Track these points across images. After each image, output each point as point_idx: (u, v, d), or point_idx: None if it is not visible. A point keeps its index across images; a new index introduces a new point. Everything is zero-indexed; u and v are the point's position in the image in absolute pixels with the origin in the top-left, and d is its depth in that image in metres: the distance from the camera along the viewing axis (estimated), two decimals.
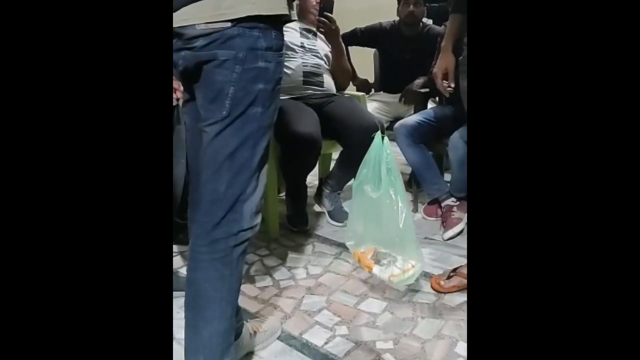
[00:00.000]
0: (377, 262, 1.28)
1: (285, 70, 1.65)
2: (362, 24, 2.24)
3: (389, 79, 2.21)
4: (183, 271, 1.42)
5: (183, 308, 0.83)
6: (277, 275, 1.41)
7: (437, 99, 2.00)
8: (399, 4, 2.14)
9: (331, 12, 1.66)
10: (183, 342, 0.83)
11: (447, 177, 1.86)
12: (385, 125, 1.90)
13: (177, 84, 0.93)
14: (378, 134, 1.30)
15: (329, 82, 1.80)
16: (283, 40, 0.80)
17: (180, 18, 0.75)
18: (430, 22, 2.27)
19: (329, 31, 1.69)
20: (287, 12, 0.79)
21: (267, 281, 1.37)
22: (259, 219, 0.83)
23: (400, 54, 2.15)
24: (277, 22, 0.78)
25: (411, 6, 2.07)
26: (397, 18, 2.16)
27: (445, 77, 1.50)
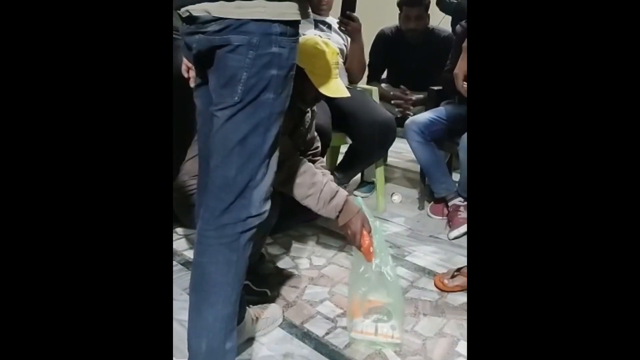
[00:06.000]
0: (368, 314, 1.07)
1: None
2: (384, 18, 2.19)
3: (395, 86, 2.15)
4: (187, 254, 1.43)
5: (186, 290, 0.84)
6: (281, 264, 1.41)
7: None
8: (400, 11, 2.06)
9: (354, 10, 1.65)
10: (186, 324, 0.83)
11: (455, 176, 1.85)
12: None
13: (190, 65, 0.93)
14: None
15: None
16: (298, 26, 0.79)
17: (193, 7, 0.75)
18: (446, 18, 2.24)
19: (352, 30, 1.68)
20: (299, 18, 0.78)
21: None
22: (267, 206, 0.82)
23: (405, 62, 2.09)
24: (290, 24, 0.76)
25: (413, 22, 2.00)
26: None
27: (466, 78, 1.48)
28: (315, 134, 1.30)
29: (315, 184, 1.06)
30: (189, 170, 1.41)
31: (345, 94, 1.12)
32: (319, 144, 1.32)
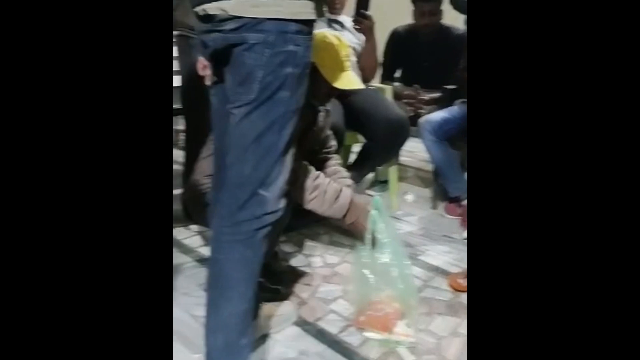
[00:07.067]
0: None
1: None
2: (397, 17, 2.17)
3: (408, 85, 2.14)
4: (201, 250, 1.44)
5: (202, 286, 0.84)
6: (294, 261, 1.41)
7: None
8: (414, 5, 2.04)
9: (367, 9, 1.65)
10: (202, 320, 0.84)
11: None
12: None
13: (205, 63, 0.94)
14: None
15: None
16: (313, 24, 0.80)
17: (209, 6, 0.76)
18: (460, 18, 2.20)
19: (366, 28, 1.67)
20: (314, 17, 0.78)
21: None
22: (283, 203, 0.83)
23: (418, 61, 2.07)
24: (306, 22, 0.77)
25: (426, 18, 1.98)
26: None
27: None
28: (330, 132, 1.30)
29: (318, 186, 1.04)
30: (203, 169, 1.42)
31: (359, 85, 1.09)
32: (333, 142, 1.32)
